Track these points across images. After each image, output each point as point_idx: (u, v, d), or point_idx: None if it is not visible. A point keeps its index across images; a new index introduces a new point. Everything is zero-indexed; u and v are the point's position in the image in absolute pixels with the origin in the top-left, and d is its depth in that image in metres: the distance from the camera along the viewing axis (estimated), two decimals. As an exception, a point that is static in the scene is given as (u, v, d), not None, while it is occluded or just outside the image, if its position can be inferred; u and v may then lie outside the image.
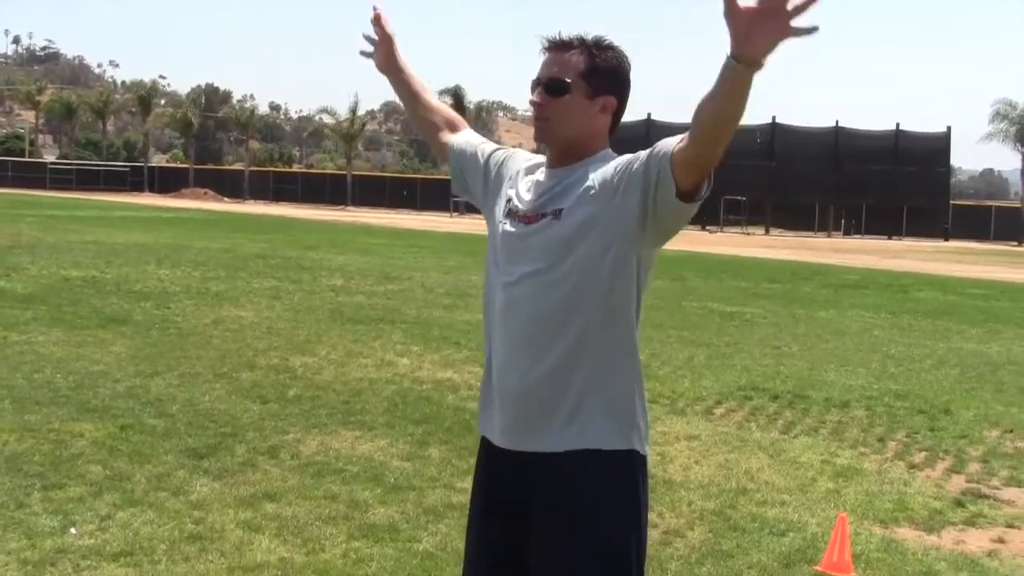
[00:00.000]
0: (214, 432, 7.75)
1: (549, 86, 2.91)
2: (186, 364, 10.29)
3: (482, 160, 3.24)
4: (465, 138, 3.36)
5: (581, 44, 2.91)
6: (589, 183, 2.84)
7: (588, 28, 2.91)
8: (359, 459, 7.23)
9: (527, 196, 2.97)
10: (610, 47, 2.94)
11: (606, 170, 2.83)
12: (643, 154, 2.76)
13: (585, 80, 2.89)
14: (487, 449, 3.03)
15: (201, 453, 7.15)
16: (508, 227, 2.97)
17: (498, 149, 3.27)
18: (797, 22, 2.33)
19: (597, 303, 2.82)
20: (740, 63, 2.41)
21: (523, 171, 3.08)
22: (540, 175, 3.02)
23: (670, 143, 2.69)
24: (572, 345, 2.82)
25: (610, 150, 2.97)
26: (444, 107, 3.52)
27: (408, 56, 3.46)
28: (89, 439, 7.36)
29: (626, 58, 2.96)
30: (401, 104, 3.55)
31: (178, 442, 7.41)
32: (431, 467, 7.12)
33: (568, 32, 2.94)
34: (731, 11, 2.36)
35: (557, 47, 2.93)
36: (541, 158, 3.10)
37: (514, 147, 3.34)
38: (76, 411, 8.17)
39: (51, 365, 9.88)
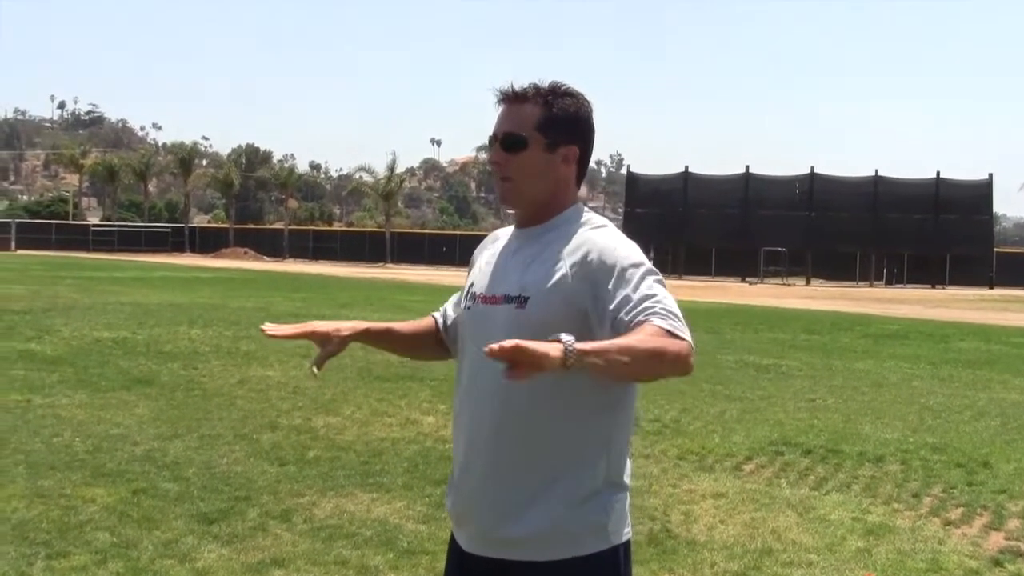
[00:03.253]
0: (228, 496, 7.60)
1: (506, 142, 2.73)
2: (207, 426, 10.17)
3: (459, 300, 3.07)
4: (441, 314, 3.13)
5: (536, 94, 2.73)
6: (559, 269, 2.64)
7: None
8: (373, 522, 7.05)
9: (491, 273, 2.80)
10: (567, 93, 2.75)
11: (579, 264, 2.63)
12: (616, 302, 2.55)
13: (542, 132, 2.71)
14: (458, 550, 2.86)
15: (212, 518, 6.99)
16: (471, 310, 2.82)
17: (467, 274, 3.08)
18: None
19: (564, 396, 2.63)
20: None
21: (487, 250, 2.94)
22: (504, 239, 2.87)
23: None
24: (536, 447, 2.65)
25: (580, 205, 2.80)
26: (422, 322, 3.20)
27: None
28: (100, 504, 7.23)
29: (585, 102, 2.77)
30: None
31: (190, 507, 7.27)
32: (446, 530, 6.84)
33: (523, 82, 2.77)
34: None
35: (511, 99, 2.76)
36: (504, 230, 2.95)
37: None
38: (90, 475, 8.05)
39: (71, 428, 9.79)
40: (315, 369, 3.05)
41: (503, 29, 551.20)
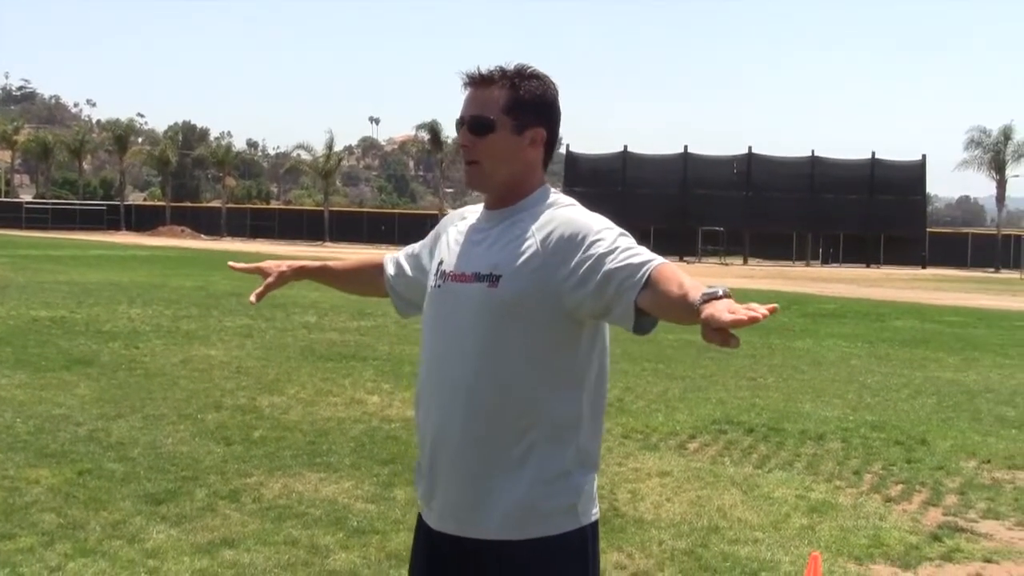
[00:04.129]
0: (175, 476, 7.56)
1: (473, 126, 2.72)
2: (151, 406, 10.10)
3: (418, 256, 3.12)
4: (391, 261, 3.22)
5: (502, 76, 2.72)
6: (529, 246, 2.64)
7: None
8: (322, 502, 7.05)
9: (459, 251, 2.79)
10: (533, 75, 2.75)
11: (549, 238, 2.63)
12: (593, 259, 2.54)
13: (509, 115, 2.70)
14: (426, 529, 2.85)
15: (160, 498, 6.96)
16: (440, 288, 2.79)
17: (423, 240, 3.12)
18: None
19: (536, 374, 2.65)
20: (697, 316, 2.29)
21: (453, 226, 2.92)
22: (473, 219, 2.86)
23: (633, 282, 2.46)
24: (509, 423, 2.65)
25: (548, 187, 2.80)
26: (365, 259, 3.41)
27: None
28: (45, 486, 7.16)
29: (552, 85, 2.78)
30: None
31: (137, 487, 7.22)
32: (396, 509, 6.93)
33: (488, 65, 2.76)
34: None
35: (477, 83, 2.74)
36: (472, 207, 2.94)
37: None
38: (34, 457, 7.97)
39: (11, 409, 9.68)
40: (252, 298, 3.29)
41: (440, 7, 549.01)
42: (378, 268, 3.28)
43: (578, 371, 2.69)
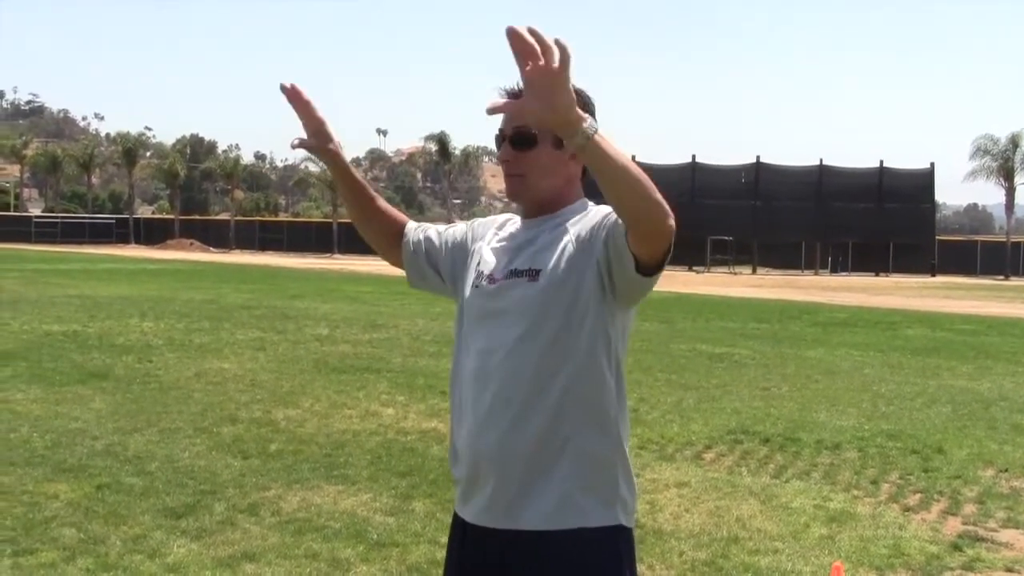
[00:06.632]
0: (193, 490, 7.57)
1: (516, 140, 2.75)
2: (166, 419, 10.11)
3: (444, 241, 3.07)
4: (417, 228, 3.13)
5: None
6: (567, 241, 2.71)
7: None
8: (341, 515, 7.05)
9: (501, 255, 2.83)
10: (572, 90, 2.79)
11: (583, 227, 2.70)
12: (608, 218, 2.63)
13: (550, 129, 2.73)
14: (461, 525, 2.87)
15: (179, 512, 6.97)
16: (480, 289, 2.82)
17: (454, 227, 3.12)
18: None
19: (573, 370, 2.67)
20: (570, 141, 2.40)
21: (492, 233, 2.95)
22: (513, 228, 2.90)
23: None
24: (548, 414, 2.67)
25: (586, 200, 2.84)
26: (390, 210, 3.17)
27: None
28: (64, 500, 7.18)
29: (589, 101, 2.78)
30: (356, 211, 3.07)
31: (156, 501, 7.23)
32: (415, 522, 6.94)
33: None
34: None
35: (517, 96, 2.70)
36: (508, 216, 2.98)
37: (499, 191, 3.15)
38: (52, 471, 7.99)
39: (28, 423, 9.70)
40: (294, 142, 3.00)
41: (447, 18, 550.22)
42: (397, 225, 3.13)
43: (604, 372, 2.72)
